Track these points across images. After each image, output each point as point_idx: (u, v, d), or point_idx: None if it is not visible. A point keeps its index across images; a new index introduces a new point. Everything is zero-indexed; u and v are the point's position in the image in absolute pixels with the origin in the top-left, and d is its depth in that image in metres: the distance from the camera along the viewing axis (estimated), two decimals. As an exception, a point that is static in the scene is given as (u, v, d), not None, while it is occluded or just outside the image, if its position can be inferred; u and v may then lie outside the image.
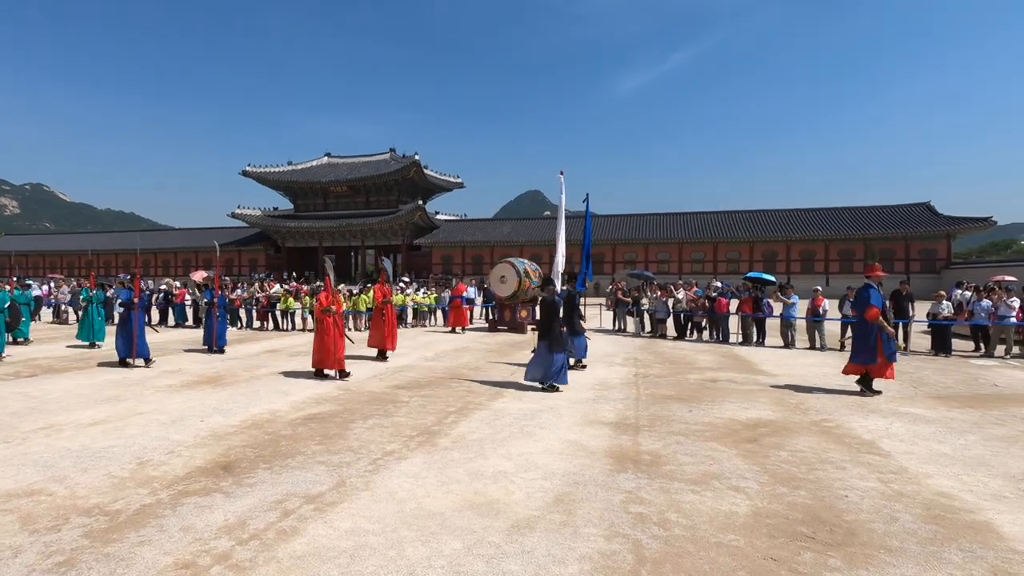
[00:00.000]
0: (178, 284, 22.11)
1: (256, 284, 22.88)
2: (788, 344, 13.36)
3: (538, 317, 8.79)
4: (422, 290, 22.75)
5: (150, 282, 29.88)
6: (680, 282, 17.64)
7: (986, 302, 12.41)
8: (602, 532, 3.55)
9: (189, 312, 20.16)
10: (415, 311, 20.13)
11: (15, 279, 20.04)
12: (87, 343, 13.21)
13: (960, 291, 14.55)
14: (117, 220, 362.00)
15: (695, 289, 16.56)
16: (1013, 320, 11.93)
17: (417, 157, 51.95)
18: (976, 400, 7.56)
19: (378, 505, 3.96)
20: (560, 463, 4.88)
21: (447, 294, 20.03)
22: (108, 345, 12.97)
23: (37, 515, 3.80)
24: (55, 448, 5.28)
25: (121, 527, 3.62)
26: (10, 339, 12.66)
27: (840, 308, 13.45)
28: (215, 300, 12.67)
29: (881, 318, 7.86)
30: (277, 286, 21.47)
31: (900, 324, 13.12)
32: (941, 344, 12.28)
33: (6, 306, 11.69)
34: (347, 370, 9.14)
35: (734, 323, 14.88)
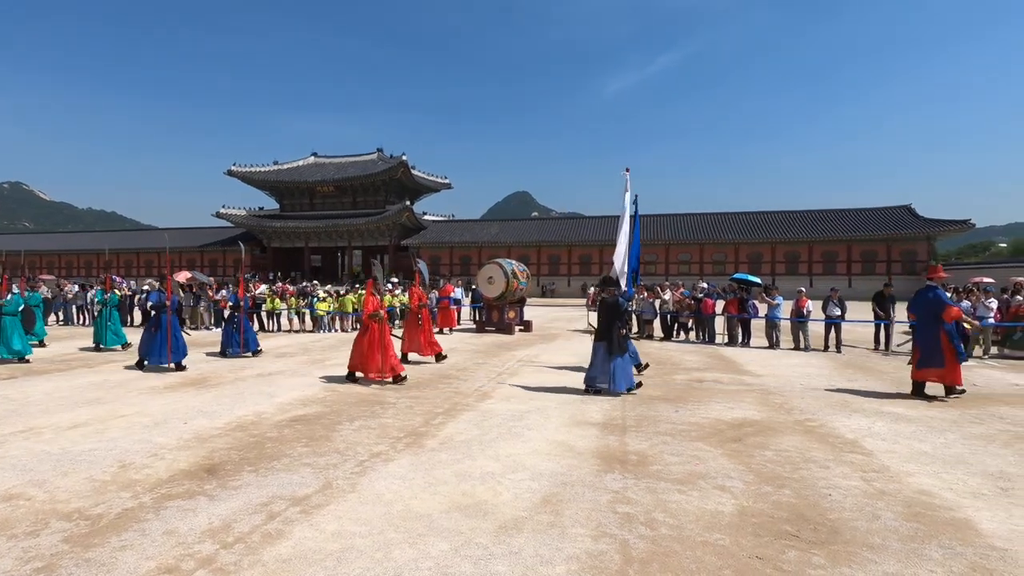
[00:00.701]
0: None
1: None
2: (773, 345, 13.51)
3: (596, 319, 8.58)
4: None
5: (132, 283, 29.43)
6: (667, 283, 17.75)
7: (965, 303, 12.63)
8: (589, 532, 3.56)
9: (172, 313, 19.89)
10: (402, 312, 20.04)
11: (26, 278, 19.52)
12: (112, 346, 12.83)
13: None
14: (99, 219, 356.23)
15: (681, 290, 16.67)
16: (991, 321, 12.17)
17: (404, 157, 51.81)
18: (956, 400, 7.69)
19: (365, 507, 3.93)
20: (548, 464, 4.89)
21: (434, 295, 19.98)
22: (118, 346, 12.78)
23: (15, 520, 3.73)
24: (34, 451, 5.18)
25: (102, 531, 3.56)
26: None
27: (824, 309, 13.61)
28: (240, 303, 12.14)
29: (963, 319, 7.84)
30: (263, 286, 21.27)
31: (882, 325, 13.34)
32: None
33: (20, 308, 11.43)
34: (402, 374, 8.76)
35: (720, 324, 15.01)
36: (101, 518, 3.76)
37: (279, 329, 18.01)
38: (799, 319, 13.52)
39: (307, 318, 19.02)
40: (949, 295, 7.86)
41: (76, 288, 21.42)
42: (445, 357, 10.91)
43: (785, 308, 14.45)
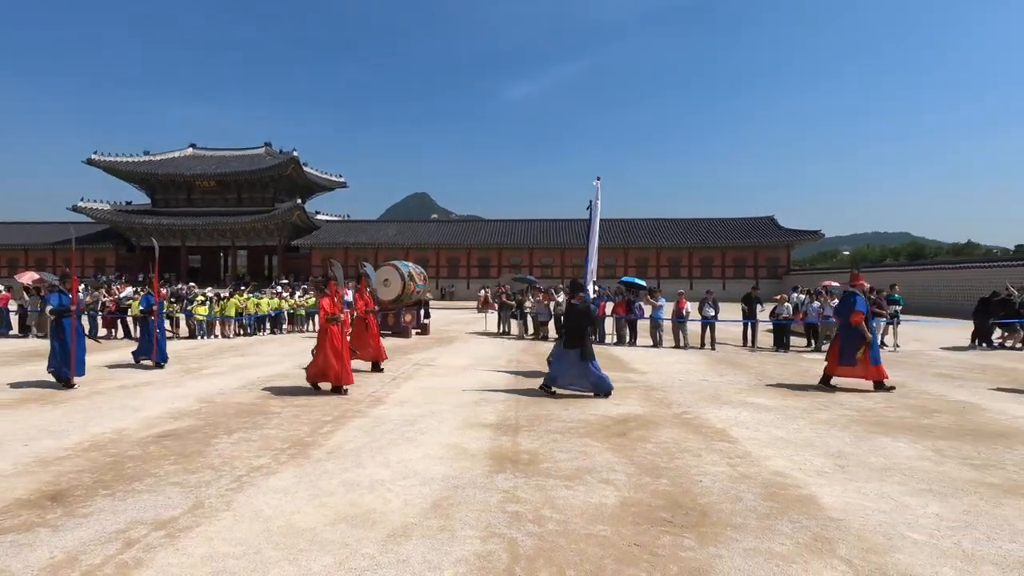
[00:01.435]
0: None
1: (103, 288, 20.28)
2: (656, 343, 14.42)
3: (565, 324, 8.49)
4: (298, 293, 21.57)
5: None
6: (561, 286, 18.35)
7: (816, 304, 14.27)
8: (479, 533, 3.58)
9: (14, 319, 17.40)
10: (291, 315, 19.01)
11: None
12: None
13: (797, 294, 16.61)
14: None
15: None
16: (834, 319, 13.85)
17: (295, 153, 49.25)
18: (807, 390, 8.66)
19: (241, 526, 3.67)
20: (440, 468, 4.86)
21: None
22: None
23: None
24: None
25: (-92, 578, 3.02)
26: None
27: (700, 310, 14.74)
28: (154, 306, 10.87)
29: (863, 324, 8.36)
30: (128, 289, 19.22)
31: (749, 324, 14.71)
32: (781, 341, 13.93)
33: None
34: (346, 388, 8.20)
35: (609, 324, 15.78)
36: (-93, 562, 3.19)
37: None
38: (679, 319, 14.55)
39: (182, 324, 17.45)
40: (865, 298, 8.77)
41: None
42: (382, 371, 10.31)
43: (667, 309, 15.49)
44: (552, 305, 16.51)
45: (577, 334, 8.10)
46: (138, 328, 10.93)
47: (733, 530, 3.68)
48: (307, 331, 18.58)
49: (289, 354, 12.47)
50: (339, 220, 56.88)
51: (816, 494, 4.31)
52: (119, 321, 16.58)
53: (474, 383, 9.12)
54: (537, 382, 9.27)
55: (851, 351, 8.53)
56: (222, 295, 18.02)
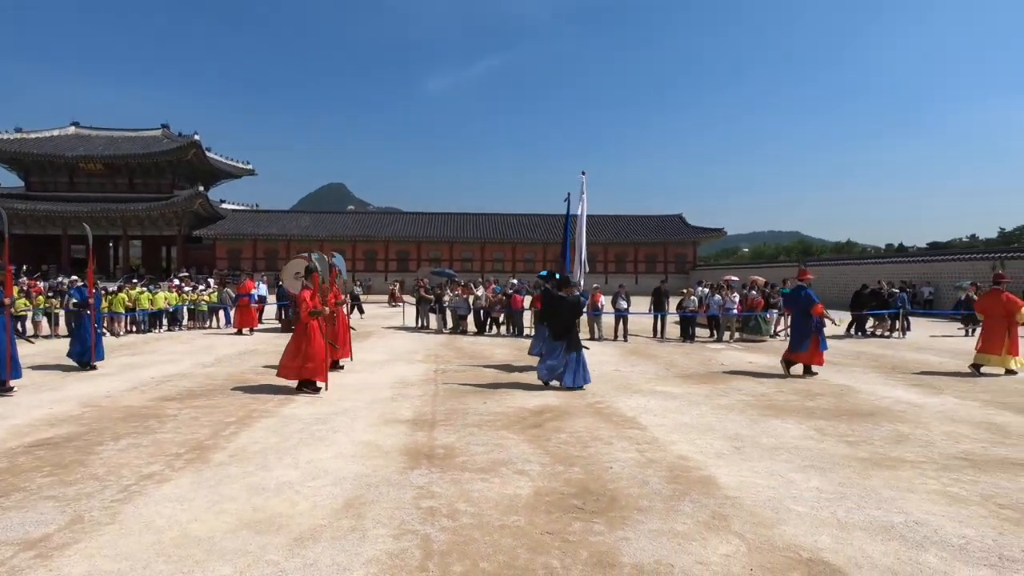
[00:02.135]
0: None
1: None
2: (573, 336, 14.80)
3: (554, 316, 8.50)
4: (201, 287, 20.15)
5: None
6: (480, 280, 18.39)
7: (718, 297, 15.22)
8: (391, 532, 3.51)
9: None
10: (191, 311, 17.74)
11: None
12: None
13: (702, 288, 17.63)
14: None
15: (493, 286, 17.40)
16: (734, 311, 14.86)
17: (197, 137, 45.82)
18: (709, 377, 9.24)
19: (127, 539, 3.38)
20: (352, 466, 4.72)
21: (230, 292, 18.04)
22: None
23: None
24: None
25: None
26: None
27: (613, 303, 15.28)
28: (90, 300, 9.79)
29: (824, 313, 9.20)
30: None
31: (658, 316, 15.44)
32: (687, 332, 14.75)
33: None
34: (320, 384, 7.77)
35: (528, 318, 16.00)
36: None
37: (23, 334, 14.64)
38: (594, 312, 15.02)
39: (61, 320, 15.78)
40: (809, 292, 9.55)
41: None
42: (341, 367, 9.70)
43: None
44: (471, 299, 16.50)
45: (565, 326, 8.29)
46: (68, 325, 10.15)
47: (640, 513, 3.86)
48: (211, 328, 17.40)
49: (189, 352, 11.63)
50: (247, 210, 53.65)
51: (715, 475, 4.61)
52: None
53: (390, 379, 8.95)
54: (455, 376, 9.25)
55: (803, 338, 9.35)
56: (110, 289, 16.46)
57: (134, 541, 3.36)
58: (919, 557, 3.23)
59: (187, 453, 5.03)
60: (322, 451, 5.14)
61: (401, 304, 30.22)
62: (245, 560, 3.16)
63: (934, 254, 31.24)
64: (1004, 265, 15.35)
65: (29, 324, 15.08)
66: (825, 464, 4.87)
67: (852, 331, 16.20)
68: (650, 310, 15.62)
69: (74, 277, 17.57)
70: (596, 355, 11.84)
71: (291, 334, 8.10)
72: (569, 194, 12.60)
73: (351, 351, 10.14)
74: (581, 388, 8.12)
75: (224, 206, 51.58)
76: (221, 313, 18.33)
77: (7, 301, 7.69)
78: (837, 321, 9.37)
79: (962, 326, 16.40)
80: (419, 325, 17.79)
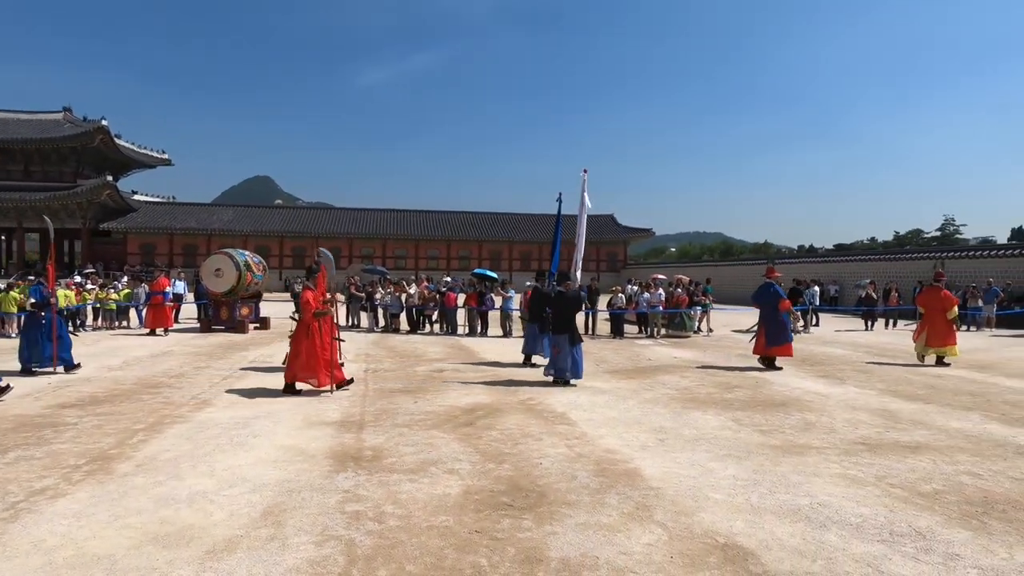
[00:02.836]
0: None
1: None
2: (507, 334, 14.89)
3: (554, 310, 8.65)
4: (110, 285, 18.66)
5: None
6: (413, 278, 18.13)
7: (646, 295, 15.76)
8: (313, 539, 3.38)
9: None
10: (98, 310, 16.40)
11: None
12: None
13: (630, 286, 18.20)
14: None
15: (426, 284, 17.20)
16: (660, 309, 15.43)
17: (105, 123, 42.37)
18: (636, 372, 9.55)
19: (12, 563, 3.07)
20: (273, 472, 4.51)
21: (144, 289, 16.83)
22: None
23: None
24: None
25: None
26: None
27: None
28: (50, 299, 9.25)
29: (790, 309, 9.68)
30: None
31: (589, 313, 15.80)
32: (617, 329, 15.18)
33: None
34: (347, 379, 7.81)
35: (461, 316, 15.94)
36: None
37: None
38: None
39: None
40: (780, 288, 10.23)
41: None
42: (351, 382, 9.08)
43: (517, 300, 16.06)
44: (404, 297, 16.23)
45: (566, 320, 8.46)
46: (27, 328, 9.11)
47: (568, 507, 3.92)
48: (121, 328, 16.15)
49: (93, 355, 10.74)
50: (163, 202, 50.28)
51: (640, 467, 4.75)
52: None
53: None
54: (386, 375, 9.07)
55: (777, 332, 9.81)
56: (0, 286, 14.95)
57: (19, 564, 3.05)
58: (821, 536, 3.47)
59: (87, 464, 4.64)
60: (241, 457, 4.88)
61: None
62: (150, 577, 2.95)
63: (839, 255, 33.78)
64: (944, 264, 17.00)
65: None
66: (741, 453, 5.14)
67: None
68: (588, 305, 15.91)
69: (31, 276, 15.79)
70: (529, 352, 11.95)
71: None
72: (561, 193, 13.35)
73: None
74: (580, 377, 8.37)
75: (137, 198, 48.10)
76: (133, 312, 17.06)
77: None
78: (794, 317, 10.01)
79: (863, 320, 17.84)
80: (349, 324, 17.32)
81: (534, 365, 9.97)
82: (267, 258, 42.24)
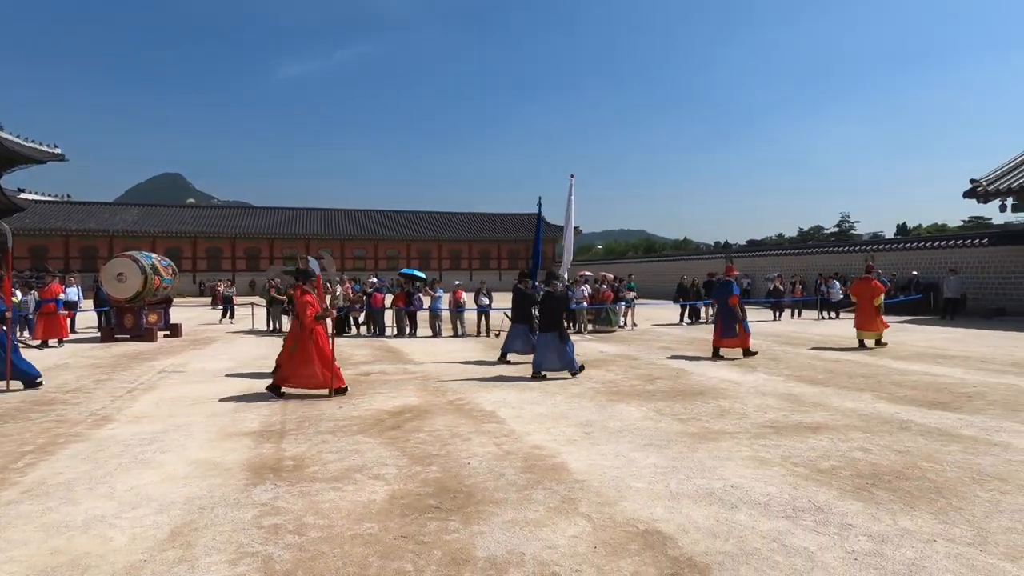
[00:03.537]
0: None
1: None
2: (436, 334, 14.76)
3: (542, 309, 9.10)
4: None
5: None
6: (338, 279, 17.57)
7: (577, 291, 16.10)
8: (227, 557, 3.20)
9: None
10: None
11: None
12: None
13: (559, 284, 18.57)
14: None
15: (350, 285, 16.75)
16: (585, 305, 15.83)
17: (-19, 112, 38.12)
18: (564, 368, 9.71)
19: None
20: (183, 489, 4.23)
21: (33, 296, 15.32)
22: None
23: None
24: None
25: None
26: None
27: (475, 299, 15.49)
28: (7, 313, 8.12)
29: (737, 304, 10.18)
30: None
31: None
32: (546, 326, 15.42)
33: None
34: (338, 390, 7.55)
35: (389, 316, 15.64)
36: None
37: None
38: (457, 309, 15.11)
39: None
40: (737, 284, 10.98)
41: None
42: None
43: (445, 300, 15.95)
44: (328, 299, 15.68)
45: (555, 318, 8.85)
46: None
47: (495, 505, 3.93)
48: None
49: (-29, 371, 9.63)
50: (55, 201, 45.78)
51: (566, 461, 4.85)
52: None
53: (235, 388, 8.21)
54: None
55: (730, 326, 10.37)
56: None
57: None
58: (733, 517, 3.68)
59: (-38, 494, 4.16)
60: (146, 476, 4.55)
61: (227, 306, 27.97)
62: (37, 614, 2.68)
63: (751, 250, 35.97)
64: (874, 258, 18.78)
65: None
66: (661, 441, 5.36)
67: (689, 319, 18.09)
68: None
69: None
70: (458, 352, 11.92)
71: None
72: (540, 197, 13.76)
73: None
74: (576, 369, 8.71)
75: (24, 196, 43.58)
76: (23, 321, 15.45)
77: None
78: (739, 314, 10.62)
79: (771, 311, 19.11)
80: (271, 329, 16.57)
81: (508, 362, 10.27)
82: (179, 260, 39.62)
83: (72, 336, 14.68)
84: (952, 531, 3.44)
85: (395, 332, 15.10)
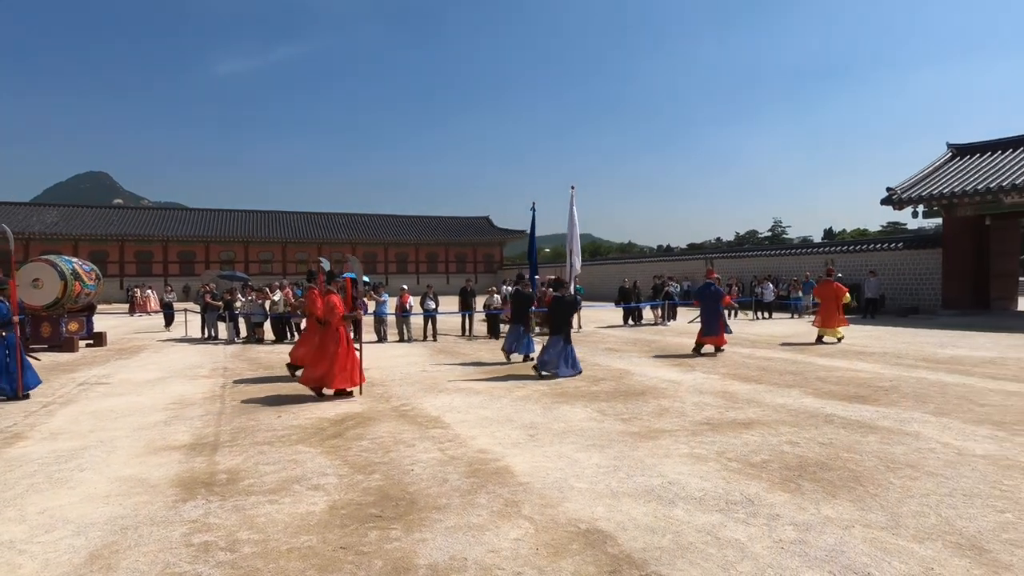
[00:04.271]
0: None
1: None
2: (381, 338, 14.50)
3: (553, 314, 9.45)
4: None
5: None
6: (276, 283, 17.01)
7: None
8: (152, 579, 3.04)
9: None
10: None
11: None
12: None
13: (506, 287, 18.61)
14: None
15: (291, 289, 16.23)
16: (533, 308, 15.94)
17: None
18: (511, 370, 9.77)
19: None
20: (104, 509, 3.98)
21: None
22: None
23: None
24: None
25: None
26: None
27: (422, 303, 15.32)
28: (13, 319, 8.01)
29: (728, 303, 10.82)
30: None
31: (465, 315, 15.89)
32: (493, 329, 15.43)
33: None
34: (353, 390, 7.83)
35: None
36: None
37: None
38: (403, 314, 14.90)
39: None
40: (717, 284, 11.85)
41: None
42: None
43: (391, 304, 15.70)
44: (268, 304, 15.16)
45: (565, 322, 9.26)
46: None
47: (438, 512, 3.90)
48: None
49: None
50: (-40, 200, 42.31)
51: (510, 464, 4.87)
52: None
53: (165, 399, 7.79)
54: (247, 390, 8.44)
55: (712, 324, 11.15)
56: None
57: None
58: (670, 512, 3.80)
59: None
60: (62, 496, 4.25)
61: (147, 313, 26.77)
62: (-68, 653, 2.46)
63: (692, 254, 37.27)
64: (835, 262, 19.97)
65: None
66: (604, 442, 5.47)
67: (631, 320, 18.53)
68: (464, 307, 16.00)
69: None
70: (404, 357, 11.77)
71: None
72: (534, 203, 13.71)
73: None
74: (579, 370, 9.09)
75: (-78, 195, 39.94)
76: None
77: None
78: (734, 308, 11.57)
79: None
80: (206, 335, 15.83)
81: (512, 363, 10.70)
82: (105, 264, 37.30)
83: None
84: (868, 517, 3.67)
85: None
